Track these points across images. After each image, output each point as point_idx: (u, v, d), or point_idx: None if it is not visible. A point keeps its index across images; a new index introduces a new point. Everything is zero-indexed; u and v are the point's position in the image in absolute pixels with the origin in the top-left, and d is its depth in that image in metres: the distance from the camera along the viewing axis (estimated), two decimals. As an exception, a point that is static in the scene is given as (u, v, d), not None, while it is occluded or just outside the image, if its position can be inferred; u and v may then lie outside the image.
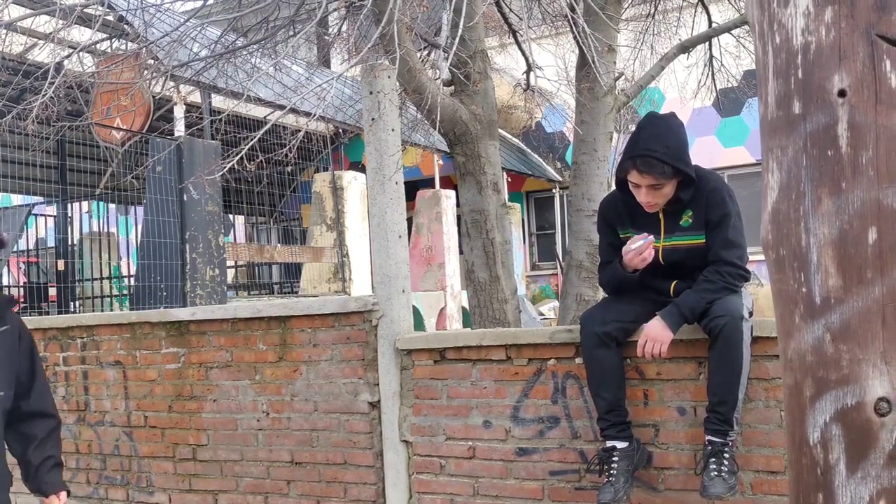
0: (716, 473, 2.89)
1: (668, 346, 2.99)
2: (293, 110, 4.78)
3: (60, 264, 10.60)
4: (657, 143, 2.94)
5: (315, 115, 4.71)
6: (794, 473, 1.58)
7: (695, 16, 7.87)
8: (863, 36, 1.44)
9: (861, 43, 1.44)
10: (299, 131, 4.20)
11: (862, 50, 1.44)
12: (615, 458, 3.06)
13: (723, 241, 3.01)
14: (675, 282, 3.13)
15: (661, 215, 3.11)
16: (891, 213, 1.43)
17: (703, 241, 3.06)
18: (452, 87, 5.37)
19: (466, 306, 6.35)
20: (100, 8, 7.17)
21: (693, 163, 3.06)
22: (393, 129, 3.90)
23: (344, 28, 6.54)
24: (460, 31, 4.27)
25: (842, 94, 1.45)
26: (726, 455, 2.92)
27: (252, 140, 4.02)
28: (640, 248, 3.02)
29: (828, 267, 1.47)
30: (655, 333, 2.99)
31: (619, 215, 3.22)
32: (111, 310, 10.41)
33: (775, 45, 1.53)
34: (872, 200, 1.43)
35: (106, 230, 11.32)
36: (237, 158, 4.25)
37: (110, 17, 7.96)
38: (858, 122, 1.44)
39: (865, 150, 1.44)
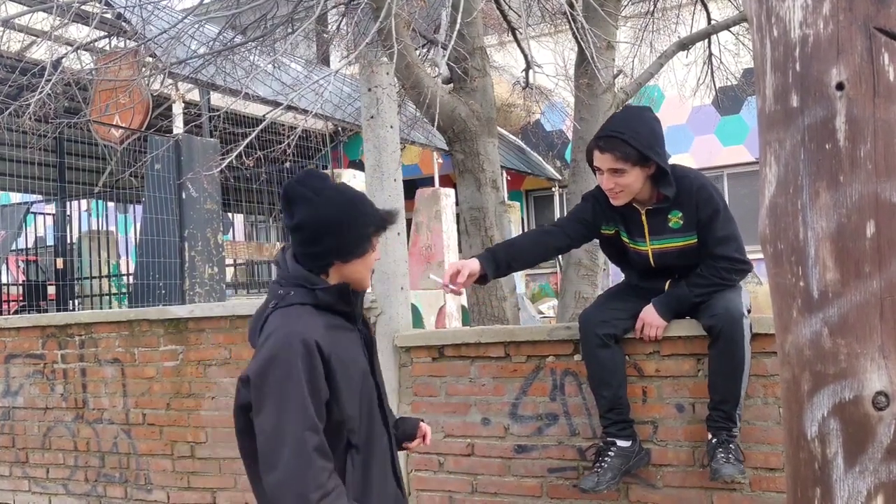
0: (724, 460, 2.93)
1: (662, 330, 3.13)
2: (292, 107, 4.77)
3: (59, 262, 10.57)
4: (625, 126, 2.93)
5: (313, 112, 4.70)
6: (791, 468, 1.57)
7: (694, 13, 7.85)
8: (861, 29, 1.43)
9: (859, 36, 1.43)
10: (297, 128, 4.19)
11: (860, 43, 1.43)
12: (610, 453, 3.08)
13: (716, 237, 2.99)
14: (669, 280, 3.14)
15: (643, 217, 3.07)
16: (889, 207, 1.42)
17: (695, 240, 3.04)
18: (451, 85, 5.36)
19: (466, 304, 6.35)
20: (97, 5, 7.16)
21: (690, 163, 3.04)
22: (391, 126, 3.88)
23: (343, 25, 6.52)
24: (458, 26, 4.26)
25: (840, 87, 1.44)
26: (732, 445, 2.97)
27: (250, 137, 4.01)
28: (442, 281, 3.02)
29: (826, 261, 1.46)
30: (650, 319, 3.12)
31: (608, 209, 3.14)
32: (110, 308, 10.40)
33: (773, 38, 1.52)
34: (870, 194, 1.43)
35: (105, 228, 11.30)
36: (235, 155, 4.25)
37: (108, 15, 7.95)
38: (856, 115, 1.43)
39: (864, 143, 1.43)
